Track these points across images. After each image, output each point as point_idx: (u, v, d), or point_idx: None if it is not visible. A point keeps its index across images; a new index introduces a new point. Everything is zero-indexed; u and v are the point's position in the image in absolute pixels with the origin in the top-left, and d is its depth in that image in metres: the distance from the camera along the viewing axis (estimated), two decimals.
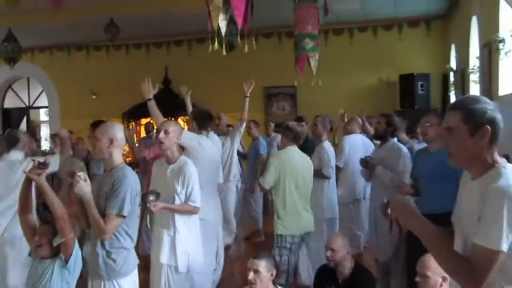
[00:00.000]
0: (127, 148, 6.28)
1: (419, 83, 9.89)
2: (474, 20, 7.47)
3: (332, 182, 5.83)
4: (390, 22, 11.04)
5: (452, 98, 9.38)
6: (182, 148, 4.53)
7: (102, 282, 3.16)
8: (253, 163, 7.76)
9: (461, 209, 2.07)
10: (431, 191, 4.05)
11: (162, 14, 9.85)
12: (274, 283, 3.60)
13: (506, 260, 1.86)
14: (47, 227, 3.17)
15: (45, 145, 13.88)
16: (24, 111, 14.32)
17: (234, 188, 6.83)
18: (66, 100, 13.01)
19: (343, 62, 10.97)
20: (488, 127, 1.94)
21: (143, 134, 10.62)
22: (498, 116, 1.97)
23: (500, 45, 5.32)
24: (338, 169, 6.03)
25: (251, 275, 3.48)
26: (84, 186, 3.05)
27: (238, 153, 7.20)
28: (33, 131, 13.93)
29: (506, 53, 5.28)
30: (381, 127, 5.15)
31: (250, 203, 7.80)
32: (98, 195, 3.18)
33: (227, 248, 6.13)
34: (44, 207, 5.13)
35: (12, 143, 5.00)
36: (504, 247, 1.83)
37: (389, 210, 2.29)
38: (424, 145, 6.45)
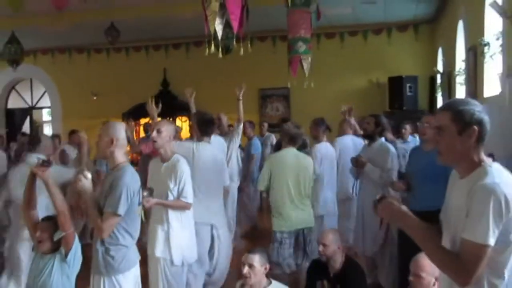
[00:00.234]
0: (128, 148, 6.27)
1: (408, 85, 9.95)
2: (460, 25, 7.49)
3: (327, 181, 5.86)
4: (379, 27, 11.07)
5: (439, 100, 9.41)
6: None
7: (102, 278, 3.15)
8: (246, 163, 7.74)
9: (450, 207, 2.08)
10: (423, 189, 4.05)
11: (161, 19, 9.84)
12: (267, 276, 3.64)
13: (493, 254, 1.87)
14: (48, 223, 3.19)
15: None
16: (27, 112, 14.29)
17: (234, 189, 6.78)
18: (67, 100, 12.97)
19: (335, 64, 10.99)
20: (476, 127, 1.96)
21: (142, 134, 10.59)
22: (486, 118, 2.00)
23: (485, 49, 5.33)
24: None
25: (245, 269, 3.52)
26: (85, 184, 3.06)
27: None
28: (35, 130, 13.91)
29: (491, 56, 5.28)
30: (370, 127, 5.18)
31: (245, 203, 7.76)
32: (100, 193, 3.18)
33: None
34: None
35: (33, 145, 4.96)
36: (491, 241, 1.84)
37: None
38: (411, 145, 6.61)
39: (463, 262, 1.87)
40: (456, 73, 7.36)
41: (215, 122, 5.44)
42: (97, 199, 3.13)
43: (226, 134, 6.52)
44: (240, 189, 7.29)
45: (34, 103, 14.24)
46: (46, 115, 16.18)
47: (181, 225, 4.23)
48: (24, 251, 4.66)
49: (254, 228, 7.86)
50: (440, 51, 9.90)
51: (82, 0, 6.69)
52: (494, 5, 4.69)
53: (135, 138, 7.91)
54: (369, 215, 4.98)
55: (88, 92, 12.65)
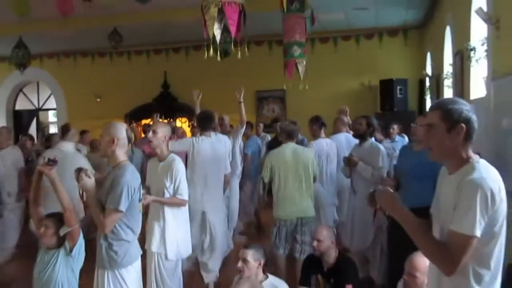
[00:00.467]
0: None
1: (398, 87, 9.98)
2: (447, 30, 7.50)
3: (320, 174, 5.86)
4: (371, 32, 11.09)
5: (428, 102, 9.43)
6: None
7: (106, 272, 3.15)
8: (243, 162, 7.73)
9: (439, 201, 2.10)
10: (411, 186, 4.04)
11: (162, 24, 9.83)
12: (264, 272, 3.61)
13: (479, 245, 1.89)
14: (52, 219, 3.19)
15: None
16: (34, 113, 14.27)
17: (236, 186, 6.79)
18: (72, 102, 12.96)
19: (329, 68, 11.01)
20: (463, 125, 1.98)
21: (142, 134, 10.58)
22: (473, 117, 2.01)
23: (471, 53, 5.33)
24: None
25: (239, 263, 3.52)
26: (87, 182, 3.06)
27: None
28: (42, 131, 13.88)
29: (476, 60, 5.29)
30: (362, 127, 5.19)
31: (243, 201, 7.75)
32: (102, 191, 3.17)
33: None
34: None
35: (63, 134, 5.09)
36: (478, 232, 1.86)
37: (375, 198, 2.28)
38: (398, 144, 6.75)
39: (450, 252, 1.88)
40: (444, 76, 7.38)
41: (213, 117, 5.50)
42: (99, 197, 3.12)
43: (229, 133, 6.53)
44: (241, 186, 7.32)
45: (40, 105, 14.22)
46: (52, 117, 16.20)
47: (177, 222, 4.28)
48: None
49: (251, 224, 7.85)
50: (428, 55, 9.91)
51: (87, 6, 6.67)
52: (480, 12, 4.70)
53: (137, 138, 7.95)
54: (359, 213, 5.01)
55: (92, 94, 12.65)
